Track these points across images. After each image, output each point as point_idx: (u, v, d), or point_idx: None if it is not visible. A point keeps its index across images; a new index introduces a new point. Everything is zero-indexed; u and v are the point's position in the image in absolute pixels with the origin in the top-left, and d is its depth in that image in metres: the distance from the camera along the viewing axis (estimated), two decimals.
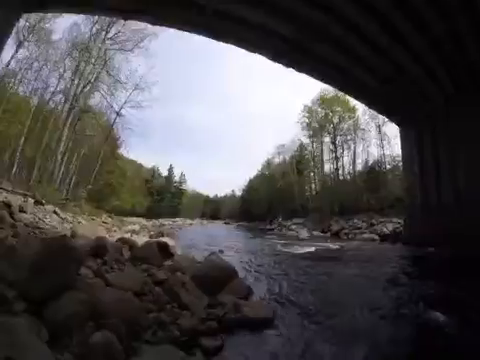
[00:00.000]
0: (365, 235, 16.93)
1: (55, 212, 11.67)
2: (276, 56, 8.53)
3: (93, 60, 20.32)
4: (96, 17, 18.90)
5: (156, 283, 4.27)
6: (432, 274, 6.66)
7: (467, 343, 2.99)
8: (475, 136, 9.73)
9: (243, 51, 8.16)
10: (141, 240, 7.35)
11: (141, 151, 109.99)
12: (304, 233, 20.41)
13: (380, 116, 27.17)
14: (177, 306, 3.63)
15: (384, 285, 5.37)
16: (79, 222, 12.12)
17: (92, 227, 8.88)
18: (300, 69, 9.08)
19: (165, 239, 7.51)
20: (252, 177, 64.45)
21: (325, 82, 10.17)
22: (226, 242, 13.97)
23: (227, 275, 4.65)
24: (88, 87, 21.04)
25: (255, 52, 8.62)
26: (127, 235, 9.88)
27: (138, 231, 15.23)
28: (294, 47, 8.15)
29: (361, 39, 7.87)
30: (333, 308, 4.03)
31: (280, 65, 8.75)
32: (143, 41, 21.95)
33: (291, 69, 8.95)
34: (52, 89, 20.42)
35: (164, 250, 5.66)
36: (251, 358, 2.75)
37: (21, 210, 8.86)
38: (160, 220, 40.11)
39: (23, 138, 17.59)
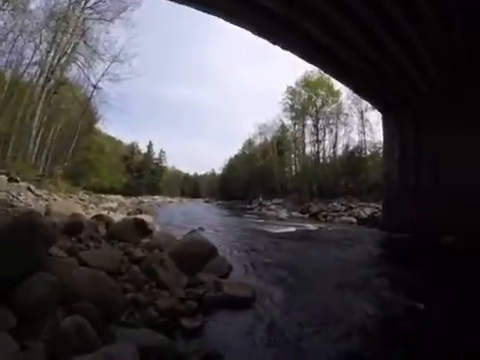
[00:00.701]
0: (343, 218, 17.21)
1: (29, 189, 11.23)
2: (261, 31, 8.19)
3: (70, 30, 19.13)
4: None
5: (133, 261, 4.11)
6: (406, 259, 6.83)
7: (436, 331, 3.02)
8: (457, 125, 9.83)
9: (228, 27, 7.83)
10: (118, 217, 7.12)
11: (120, 127, 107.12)
12: (283, 213, 20.58)
13: (363, 102, 27.29)
14: (155, 285, 3.50)
15: (359, 267, 5.47)
16: (55, 199, 11.69)
17: (68, 204, 8.55)
18: (285, 46, 8.77)
19: (143, 216, 7.30)
20: (233, 156, 64.25)
21: (310, 62, 9.91)
22: (206, 220, 13.92)
23: (207, 253, 4.54)
24: (64, 58, 19.88)
25: (240, 26, 8.24)
26: (104, 212, 9.60)
27: (115, 208, 14.91)
28: (280, 23, 7.85)
29: (348, 19, 7.67)
30: (310, 289, 4.06)
31: (265, 41, 8.48)
32: (124, 11, 20.83)
33: (276, 46, 8.68)
34: (27, 61, 19.21)
35: (142, 227, 5.49)
36: (231, 338, 2.67)
37: None
38: (139, 197, 39.54)
39: None
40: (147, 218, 7.03)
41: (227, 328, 2.81)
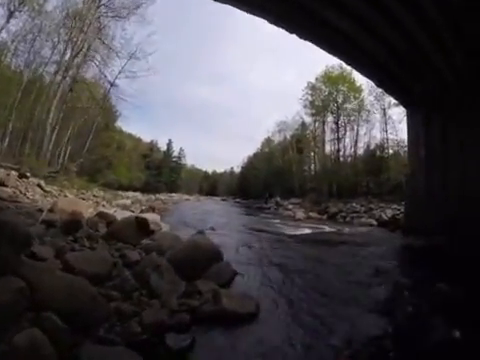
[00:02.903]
0: (363, 220, 16.45)
1: (39, 186, 11.19)
2: (278, 19, 7.67)
3: (85, 28, 19.25)
4: None
5: (127, 265, 3.77)
6: (438, 269, 6.20)
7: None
8: None
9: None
10: (123, 215, 6.81)
11: (141, 125, 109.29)
12: (300, 214, 19.97)
13: (386, 98, 26.40)
14: (146, 294, 3.14)
15: (380, 278, 4.87)
16: (65, 196, 11.61)
17: (74, 201, 8.36)
18: (303, 35, 8.19)
19: (150, 215, 6.99)
20: (252, 154, 63.88)
21: (330, 52, 9.26)
22: (219, 219, 13.56)
23: (210, 258, 4.15)
24: (81, 57, 20.09)
25: (256, 14, 7.74)
26: (113, 209, 9.40)
27: (129, 205, 14.77)
28: (298, 8, 7.35)
29: (372, 4, 7.09)
30: (325, 302, 3.53)
31: (282, 30, 7.95)
32: (139, 7, 20.85)
33: (294, 35, 8.15)
34: (45, 61, 19.55)
35: (144, 227, 5.14)
36: None
37: (1, 184, 8.46)
38: (157, 195, 39.71)
39: (14, 111, 16.86)
40: (153, 217, 6.72)
41: (218, 352, 2.37)
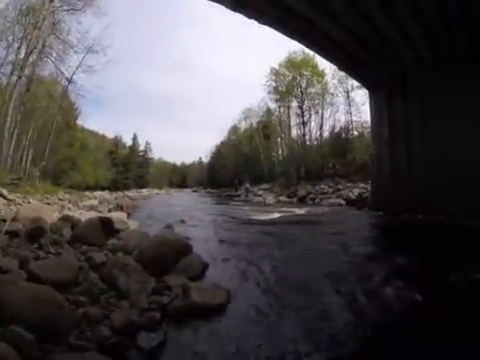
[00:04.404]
0: (331, 200, 16.97)
1: (1, 194, 10.55)
2: (237, 4, 7.58)
3: (40, 24, 18.14)
4: None
5: (94, 268, 3.66)
6: (401, 240, 6.55)
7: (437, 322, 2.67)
8: (449, 101, 9.59)
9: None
10: (89, 216, 6.57)
11: (103, 121, 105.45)
12: (270, 198, 20.29)
13: (349, 81, 27.04)
14: (115, 295, 3.06)
15: (353, 256, 5.03)
16: (29, 202, 11.03)
17: (38, 207, 7.97)
18: (263, 20, 8.14)
19: (117, 213, 6.81)
20: (219, 143, 63.62)
21: (292, 37, 9.25)
22: (190, 211, 13.44)
23: (178, 251, 4.09)
24: (36, 54, 18.96)
25: (216, 1, 7.61)
26: (79, 212, 9.05)
27: (96, 206, 14.29)
28: None
29: None
30: (297, 287, 3.58)
31: (241, 16, 7.85)
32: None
33: (253, 21, 8.06)
34: (1, 61, 18.21)
35: (108, 227, 5.00)
36: (194, 357, 2.25)
37: None
38: (126, 192, 38.74)
39: None
40: (119, 215, 6.56)
41: (190, 346, 2.34)
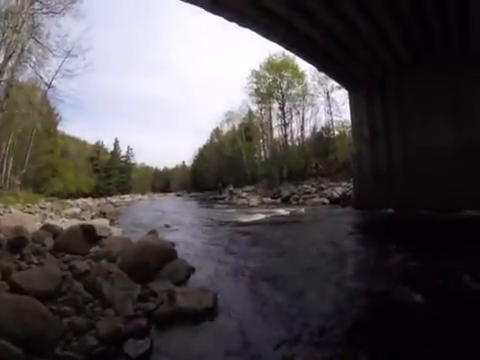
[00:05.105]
0: (315, 199, 17.19)
1: None
2: (216, 8, 7.59)
3: (18, 27, 17.65)
4: None
5: (77, 277, 3.59)
6: (387, 234, 6.73)
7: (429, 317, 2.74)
8: (427, 100, 9.95)
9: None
10: (69, 225, 6.45)
11: (84, 127, 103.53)
12: (254, 200, 20.36)
13: (329, 82, 27.45)
14: (100, 304, 3.01)
15: (339, 254, 5.10)
16: (10, 212, 10.72)
17: (19, 216, 7.77)
18: (243, 23, 8.20)
19: (99, 220, 6.69)
20: (201, 147, 63.43)
21: (271, 39, 9.34)
22: (174, 215, 13.34)
23: (163, 257, 4.05)
24: (15, 58, 18.44)
25: (193, 3, 7.59)
26: (61, 220, 8.87)
27: (79, 213, 14.02)
28: None
29: None
30: (283, 287, 3.59)
31: (222, 18, 7.88)
32: (74, 2, 19.59)
33: (234, 23, 8.11)
34: None
35: (90, 235, 4.91)
36: None
37: None
38: (108, 198, 38.08)
39: None
40: (102, 222, 6.46)
41: (178, 353, 2.32)
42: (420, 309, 2.83)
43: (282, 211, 12.84)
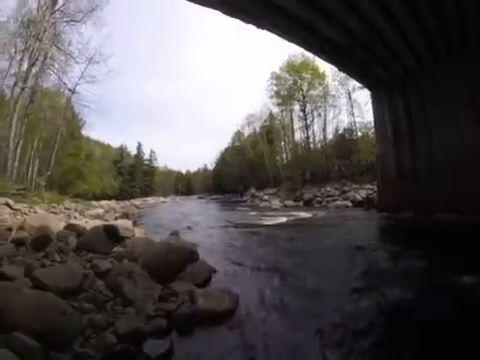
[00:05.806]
0: (338, 202, 16.88)
1: (7, 204, 10.64)
2: (234, 10, 7.60)
3: (40, 36, 18.40)
4: None
5: (99, 275, 3.62)
6: (410, 242, 6.43)
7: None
8: (448, 99, 9.54)
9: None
10: (92, 225, 6.57)
11: (108, 131, 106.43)
12: (276, 203, 20.21)
13: (350, 82, 26.92)
14: (120, 302, 3.02)
15: (364, 258, 4.95)
16: (35, 212, 11.09)
17: (44, 216, 7.99)
18: (260, 24, 8.18)
19: (121, 221, 6.80)
20: (223, 150, 63.76)
21: (290, 40, 9.28)
22: (196, 217, 13.41)
23: (185, 258, 4.05)
24: (38, 65, 19.22)
25: (211, 7, 7.64)
26: (85, 220, 9.06)
27: (103, 214, 14.32)
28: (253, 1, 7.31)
29: None
30: (306, 290, 3.50)
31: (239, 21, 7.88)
32: (94, 10, 20.18)
33: (251, 25, 8.09)
34: (4, 74, 18.45)
35: (113, 235, 4.97)
36: None
37: None
38: (132, 200, 38.81)
39: None
40: (125, 223, 6.54)
41: (198, 354, 2.28)
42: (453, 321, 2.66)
43: (304, 214, 12.68)
